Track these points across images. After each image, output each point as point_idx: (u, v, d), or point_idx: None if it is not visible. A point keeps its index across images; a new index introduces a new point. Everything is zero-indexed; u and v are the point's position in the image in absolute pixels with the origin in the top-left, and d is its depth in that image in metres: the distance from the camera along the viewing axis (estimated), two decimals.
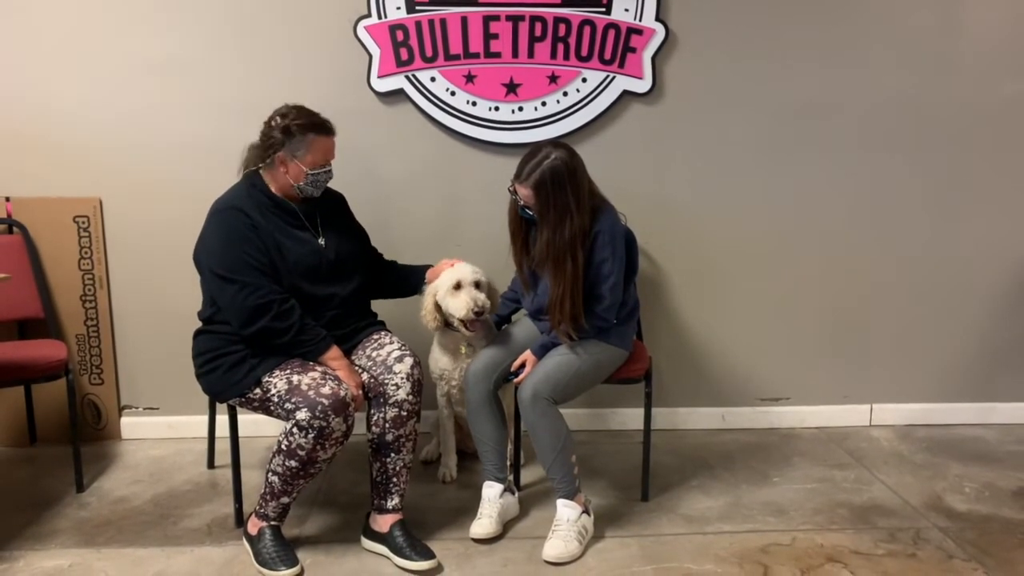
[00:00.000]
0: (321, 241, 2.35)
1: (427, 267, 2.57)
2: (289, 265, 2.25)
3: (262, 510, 2.22)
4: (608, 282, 2.31)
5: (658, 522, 2.47)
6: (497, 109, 2.96)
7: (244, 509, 2.41)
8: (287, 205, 2.31)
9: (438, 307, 2.48)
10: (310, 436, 2.07)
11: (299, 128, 2.23)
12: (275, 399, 2.16)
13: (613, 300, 2.33)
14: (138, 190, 2.93)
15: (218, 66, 2.88)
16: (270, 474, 2.17)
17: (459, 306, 2.42)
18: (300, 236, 2.31)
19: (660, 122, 3.01)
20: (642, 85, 2.97)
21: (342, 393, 2.12)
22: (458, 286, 2.44)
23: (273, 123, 2.25)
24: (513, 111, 2.96)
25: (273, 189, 2.30)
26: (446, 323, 2.52)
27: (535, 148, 2.31)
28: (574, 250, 2.26)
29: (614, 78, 2.96)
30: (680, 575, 2.17)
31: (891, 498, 2.65)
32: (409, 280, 2.59)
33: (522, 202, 2.32)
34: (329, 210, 2.43)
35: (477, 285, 2.45)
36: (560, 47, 2.92)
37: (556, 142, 2.35)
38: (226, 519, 2.46)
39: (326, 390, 2.10)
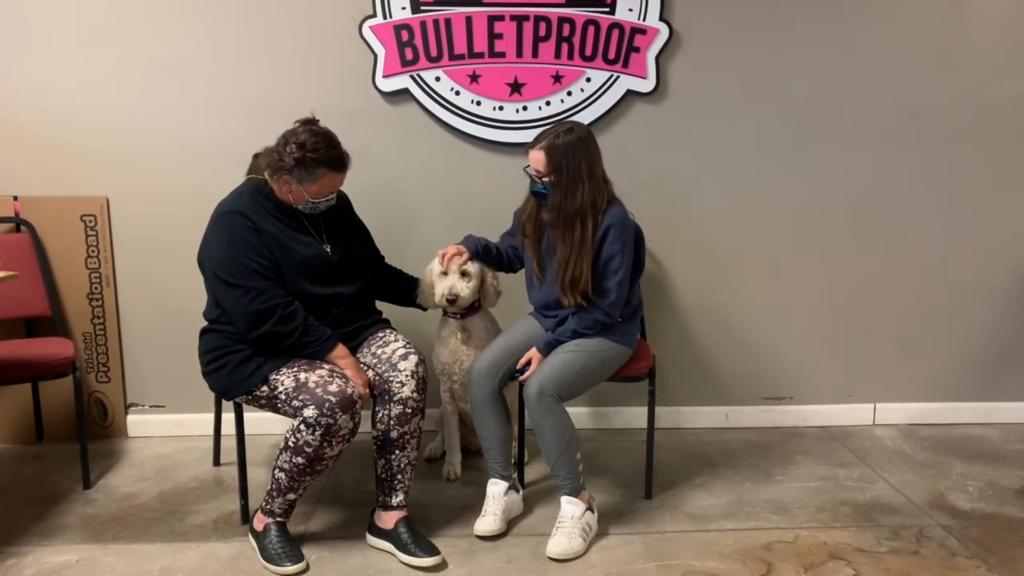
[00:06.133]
0: (327, 248, 2.36)
1: None
2: (293, 268, 2.26)
3: (268, 506, 2.23)
4: (615, 277, 2.33)
5: (661, 519, 2.48)
6: (501, 108, 2.97)
7: (250, 505, 2.42)
8: (291, 210, 2.32)
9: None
10: (317, 433, 2.09)
11: (313, 162, 2.20)
12: (282, 396, 2.17)
13: (618, 296, 2.35)
14: (145, 189, 2.95)
15: (225, 66, 2.90)
16: (277, 471, 2.18)
17: (438, 290, 2.52)
18: (304, 240, 2.32)
19: (664, 121, 3.03)
20: (646, 85, 2.98)
21: (349, 391, 2.13)
22: (445, 272, 2.51)
23: (289, 148, 2.19)
24: (517, 110, 2.97)
25: (278, 195, 2.31)
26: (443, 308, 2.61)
27: (555, 123, 2.41)
28: (583, 218, 2.31)
29: (618, 78, 2.97)
30: (683, 572, 2.18)
31: (894, 496, 2.65)
32: (415, 290, 2.63)
33: (533, 172, 2.35)
34: (334, 212, 2.43)
35: (464, 273, 2.51)
36: (564, 47, 2.93)
37: (576, 121, 2.44)
38: (232, 515, 2.48)
39: (333, 388, 2.12)
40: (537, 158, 2.33)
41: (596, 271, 2.33)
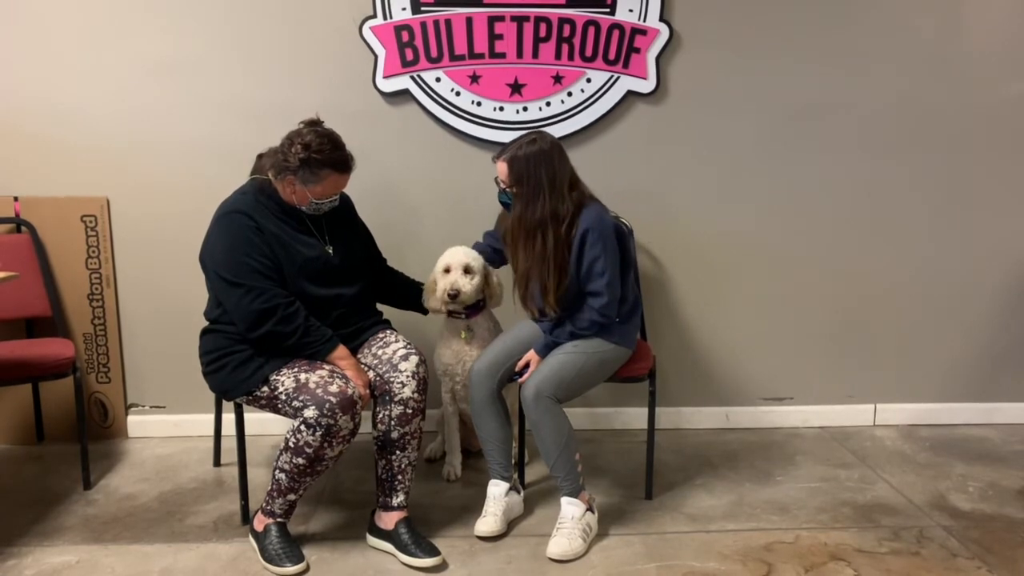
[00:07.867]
0: (329, 249, 2.36)
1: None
2: (295, 269, 2.26)
3: (268, 507, 2.23)
4: (603, 279, 2.32)
5: (662, 520, 2.48)
6: (502, 109, 2.97)
7: (250, 506, 2.42)
8: (294, 211, 2.32)
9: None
10: (317, 434, 2.09)
11: (318, 163, 2.20)
12: (283, 397, 2.17)
13: (612, 296, 2.34)
14: (145, 189, 2.95)
15: (225, 66, 2.90)
16: (277, 471, 2.18)
17: (440, 288, 2.51)
18: (307, 241, 2.32)
19: (664, 122, 3.03)
20: (646, 85, 2.98)
21: (349, 391, 2.13)
22: (447, 269, 2.52)
23: (294, 149, 2.19)
24: (518, 111, 2.98)
25: (281, 196, 2.31)
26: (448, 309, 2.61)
27: (524, 133, 2.41)
28: (544, 230, 2.31)
29: (618, 78, 2.97)
30: (683, 573, 2.18)
31: (895, 497, 2.65)
32: (415, 293, 2.63)
33: (501, 184, 2.38)
34: (336, 213, 2.43)
35: (467, 269, 2.51)
36: (565, 47, 2.93)
37: (542, 132, 2.43)
38: (232, 516, 2.48)
39: (334, 388, 2.12)
40: (501, 168, 2.36)
41: (581, 277, 2.33)
